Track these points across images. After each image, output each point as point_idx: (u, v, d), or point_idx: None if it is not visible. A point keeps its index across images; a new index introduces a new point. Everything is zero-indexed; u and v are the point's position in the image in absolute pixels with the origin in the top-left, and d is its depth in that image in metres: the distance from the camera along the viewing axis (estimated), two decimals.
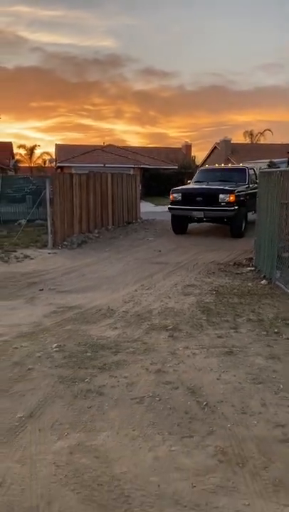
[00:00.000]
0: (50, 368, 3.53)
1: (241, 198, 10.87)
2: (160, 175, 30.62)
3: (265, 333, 4.43)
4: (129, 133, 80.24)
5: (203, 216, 11.01)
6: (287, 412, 2.85)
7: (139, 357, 3.78)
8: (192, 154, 43.66)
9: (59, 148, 35.93)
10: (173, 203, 11.39)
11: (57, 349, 3.91)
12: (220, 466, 2.29)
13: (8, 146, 37.11)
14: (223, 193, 10.62)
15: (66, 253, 9.24)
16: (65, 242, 10.00)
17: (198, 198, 10.93)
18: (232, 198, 10.49)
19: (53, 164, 37.29)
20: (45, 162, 51.20)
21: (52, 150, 43.01)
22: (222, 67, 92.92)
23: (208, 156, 44.81)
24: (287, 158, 14.73)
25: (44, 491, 2.08)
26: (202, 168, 13.67)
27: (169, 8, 73.30)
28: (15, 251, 9.13)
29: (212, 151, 44.05)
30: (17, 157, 45.13)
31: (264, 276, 6.76)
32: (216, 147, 42.99)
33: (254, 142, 45.48)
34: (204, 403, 2.96)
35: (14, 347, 3.98)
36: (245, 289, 6.19)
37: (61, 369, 3.50)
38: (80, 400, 2.99)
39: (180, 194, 11.31)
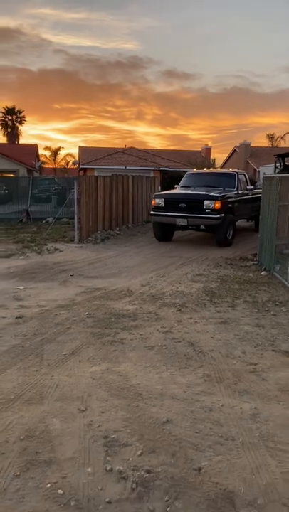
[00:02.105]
0: (83, 327, 4.61)
1: (229, 205, 10.31)
2: (180, 177, 31.57)
3: (256, 310, 5.41)
4: (150, 135, 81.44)
5: (186, 224, 10.23)
6: (259, 358, 3.86)
7: (152, 323, 4.83)
8: (212, 157, 44.36)
9: (82, 150, 37.30)
10: (155, 208, 10.61)
11: (88, 316, 5.00)
12: (204, 382, 3.32)
13: (33, 148, 38.68)
14: (208, 200, 9.90)
15: (91, 247, 10.37)
16: (89, 238, 11.14)
17: (181, 204, 10.14)
18: (218, 205, 9.81)
19: (77, 166, 38.72)
20: (68, 163, 52.93)
21: (74, 151, 44.52)
22: (245, 69, 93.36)
23: (228, 159, 45.49)
24: (274, 163, 14.79)
25: (86, 390, 3.15)
26: (190, 172, 12.49)
27: (192, 10, 74.37)
28: (46, 244, 10.33)
29: (231, 154, 44.76)
30: (42, 158, 46.75)
31: (264, 269, 7.72)
32: (235, 150, 43.69)
33: (274, 146, 45.88)
34: (199, 350, 3.99)
35: (55, 314, 5.08)
36: (247, 278, 7.16)
37: (92, 328, 4.57)
38: (107, 346, 4.06)
39: (163, 199, 10.53)
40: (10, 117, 52.59)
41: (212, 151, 44.05)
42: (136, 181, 14.30)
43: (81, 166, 33.93)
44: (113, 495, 2.07)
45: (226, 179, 11.17)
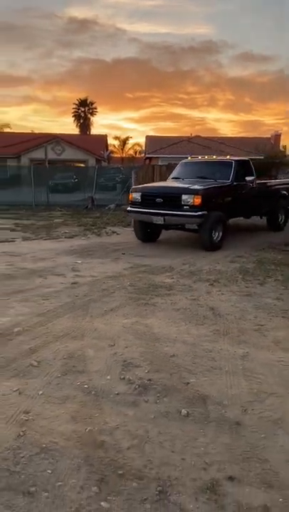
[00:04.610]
0: (124, 293, 5.52)
1: (217, 201, 8.79)
2: None
3: (283, 287, 5.96)
4: (221, 121, 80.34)
5: (163, 222, 8.66)
6: (268, 321, 4.50)
7: (184, 293, 5.61)
8: (283, 144, 42.96)
9: (149, 139, 38.28)
10: (132, 204, 9.27)
11: (130, 285, 5.90)
12: (213, 334, 4.07)
13: (103, 138, 40.41)
14: (186, 194, 8.32)
15: None
16: None
17: (158, 200, 8.69)
18: (198, 201, 8.17)
19: (143, 155, 39.85)
20: (136, 152, 54.43)
21: (143, 140, 45.69)
22: None
23: None
24: None
25: (116, 333, 4.06)
26: (184, 161, 10.84)
27: None
28: (105, 228, 11.46)
29: None
30: (110, 148, 48.52)
31: None
32: None
33: None
34: (217, 313, 4.72)
35: (103, 282, 6.05)
36: (284, 261, 7.64)
37: (131, 294, 5.47)
38: (141, 307, 4.93)
39: (139, 194, 9.14)
40: (82, 109, 55.05)
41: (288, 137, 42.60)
42: None
43: (147, 155, 35.01)
44: (121, 390, 2.95)
45: (221, 169, 9.54)
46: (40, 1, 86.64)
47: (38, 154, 29.06)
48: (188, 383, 3.06)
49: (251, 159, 10.73)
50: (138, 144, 52.94)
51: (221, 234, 8.76)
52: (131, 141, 55.13)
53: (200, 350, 3.67)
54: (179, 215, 8.44)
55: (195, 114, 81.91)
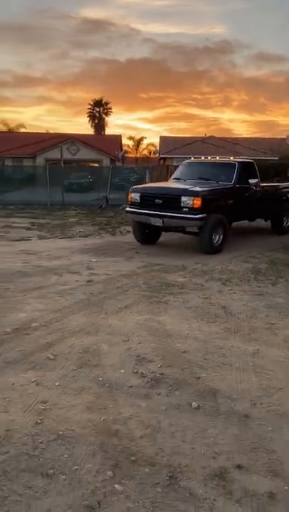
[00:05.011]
0: (138, 290, 5.64)
1: (219, 203, 8.52)
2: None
3: None
4: (236, 121, 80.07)
5: (161, 224, 8.42)
6: (279, 320, 4.57)
7: (196, 291, 5.70)
8: None
9: (163, 140, 38.41)
10: (131, 204, 9.01)
11: (143, 283, 6.01)
12: (224, 332, 4.16)
13: (117, 138, 40.66)
14: (186, 196, 8.06)
15: None
16: None
17: (157, 201, 8.45)
18: (197, 203, 7.92)
19: (157, 155, 40.00)
20: (150, 153, 54.65)
21: (157, 141, 45.82)
22: None
23: None
24: None
25: (130, 329, 4.18)
26: (186, 161, 10.51)
27: None
28: (119, 227, 11.60)
29: None
30: (125, 148, 48.79)
31: None
32: None
33: None
34: (228, 312, 4.81)
35: (117, 280, 6.17)
36: None
37: (144, 292, 5.58)
38: (154, 304, 5.05)
39: (138, 194, 8.88)
40: (97, 109, 55.45)
41: None
42: None
43: (161, 156, 35.14)
44: (134, 383, 3.07)
45: (223, 170, 9.25)
46: (55, 2, 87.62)
47: (54, 154, 29.41)
48: (199, 378, 3.17)
49: (266, 160, 10.38)
50: (152, 145, 53.18)
51: (221, 237, 8.53)
52: (145, 142, 55.44)
53: (211, 347, 3.77)
54: (178, 217, 8.19)
55: (209, 114, 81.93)
